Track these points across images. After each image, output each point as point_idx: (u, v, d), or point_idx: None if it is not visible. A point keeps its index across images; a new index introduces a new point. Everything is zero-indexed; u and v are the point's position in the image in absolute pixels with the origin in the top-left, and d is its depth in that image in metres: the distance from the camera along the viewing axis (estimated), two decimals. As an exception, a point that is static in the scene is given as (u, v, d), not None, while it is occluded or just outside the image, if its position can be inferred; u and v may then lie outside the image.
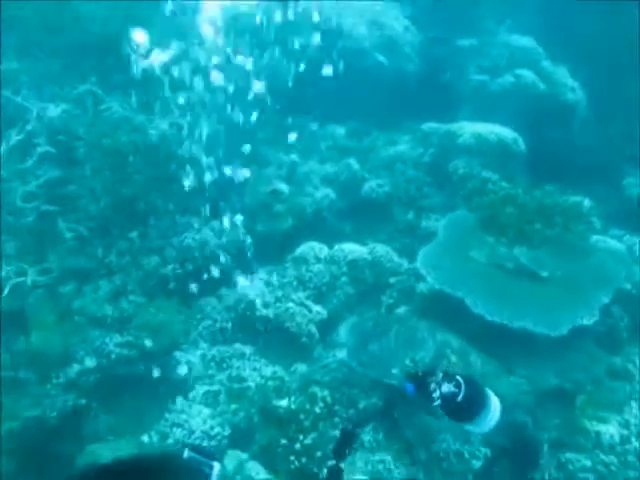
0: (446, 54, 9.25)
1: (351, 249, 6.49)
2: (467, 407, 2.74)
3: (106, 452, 4.55)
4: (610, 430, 4.80)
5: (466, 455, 4.68)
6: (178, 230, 6.18)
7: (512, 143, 7.21)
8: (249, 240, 6.38)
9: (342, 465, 2.84)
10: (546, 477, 4.82)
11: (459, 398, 2.72)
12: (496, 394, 2.82)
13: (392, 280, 6.18)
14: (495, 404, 2.76)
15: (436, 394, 2.74)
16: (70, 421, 5.55)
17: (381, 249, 6.48)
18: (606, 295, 5.40)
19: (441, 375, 2.77)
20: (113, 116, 6.50)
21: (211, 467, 2.02)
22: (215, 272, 6.09)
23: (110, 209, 6.05)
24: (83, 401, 5.56)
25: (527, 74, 8.13)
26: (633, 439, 4.81)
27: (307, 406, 4.75)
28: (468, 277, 5.37)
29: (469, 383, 2.77)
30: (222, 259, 6.10)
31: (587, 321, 5.02)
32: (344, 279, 6.35)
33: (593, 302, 5.25)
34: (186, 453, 2.03)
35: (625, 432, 4.87)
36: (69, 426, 5.54)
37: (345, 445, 2.86)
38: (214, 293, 6.07)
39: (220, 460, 2.11)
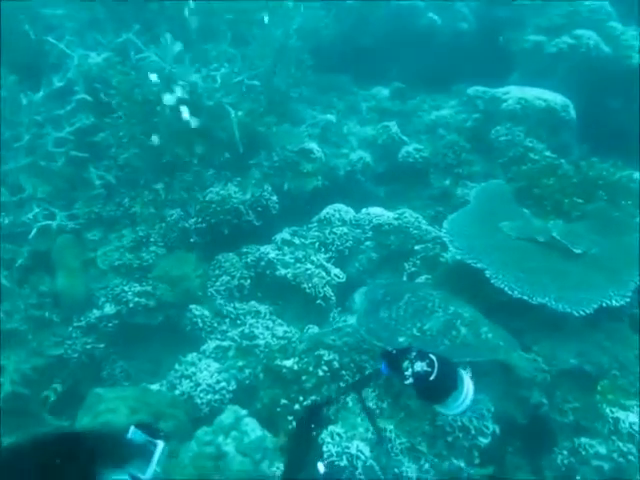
0: (505, 13, 8.68)
1: (377, 213, 6.27)
2: (439, 387, 2.60)
3: (110, 395, 4.65)
4: (630, 418, 4.45)
5: (472, 431, 4.49)
6: (203, 184, 6.14)
7: (561, 110, 6.67)
8: (274, 198, 6.28)
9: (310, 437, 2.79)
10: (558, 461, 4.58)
11: (431, 377, 2.58)
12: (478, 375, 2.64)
13: (417, 247, 5.94)
14: (468, 387, 2.60)
15: (408, 372, 2.61)
16: (89, 363, 5.74)
17: (410, 215, 6.22)
18: (645, 276, 4.98)
19: (414, 353, 2.64)
20: (147, 66, 6.48)
21: (155, 445, 2.03)
22: (237, 228, 6.06)
23: (137, 159, 6.08)
24: (102, 345, 5.72)
25: (588, 35, 7.47)
26: (656, 431, 4.45)
27: (310, 368, 4.67)
28: (493, 248, 5.06)
29: (443, 363, 2.62)
30: (244, 215, 6.05)
31: (617, 302, 4.64)
32: (368, 243, 6.17)
33: (628, 282, 4.85)
34: (130, 431, 2.04)
35: (648, 422, 4.52)
36: (88, 368, 5.74)
37: (309, 421, 2.82)
38: (234, 250, 6.02)
39: (166, 439, 2.11)
